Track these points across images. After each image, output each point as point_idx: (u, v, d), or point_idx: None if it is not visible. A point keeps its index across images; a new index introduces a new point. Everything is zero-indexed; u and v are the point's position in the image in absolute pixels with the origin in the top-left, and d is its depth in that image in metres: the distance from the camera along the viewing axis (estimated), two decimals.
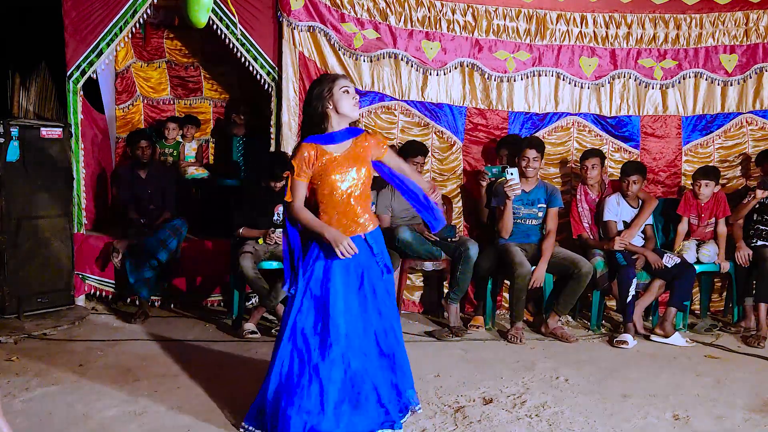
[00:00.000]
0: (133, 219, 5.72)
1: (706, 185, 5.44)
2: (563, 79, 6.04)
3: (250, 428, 3.26)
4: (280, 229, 5.20)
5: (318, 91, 3.26)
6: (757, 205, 5.44)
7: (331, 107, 3.27)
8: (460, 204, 6.02)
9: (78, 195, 5.73)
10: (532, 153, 5.24)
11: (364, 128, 3.46)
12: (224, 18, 5.54)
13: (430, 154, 5.85)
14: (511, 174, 5.04)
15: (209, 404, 3.62)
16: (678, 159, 6.13)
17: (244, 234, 5.23)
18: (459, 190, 6.01)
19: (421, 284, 5.93)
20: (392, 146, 5.47)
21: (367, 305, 3.28)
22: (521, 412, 3.62)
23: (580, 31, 6.01)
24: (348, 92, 3.27)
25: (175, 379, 4.00)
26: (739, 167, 6.11)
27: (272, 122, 5.77)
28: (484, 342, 5.03)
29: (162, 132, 7.11)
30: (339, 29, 5.73)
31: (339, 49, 5.75)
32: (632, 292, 5.05)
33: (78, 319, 5.28)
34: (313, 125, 3.30)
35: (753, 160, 5.88)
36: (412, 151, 5.50)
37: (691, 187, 5.60)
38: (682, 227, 5.55)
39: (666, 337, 5.00)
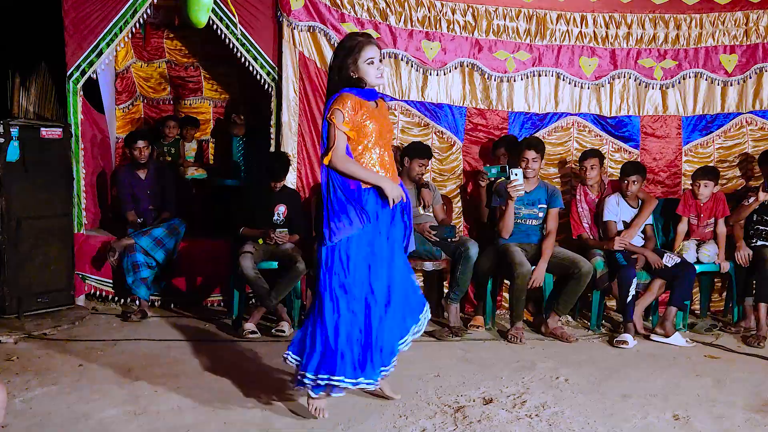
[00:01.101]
0: (130, 220, 5.71)
1: (706, 185, 5.44)
2: (563, 79, 6.04)
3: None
4: (280, 229, 5.21)
5: (343, 59, 3.34)
6: (758, 206, 5.44)
7: (356, 76, 3.35)
8: (460, 204, 6.02)
9: (78, 195, 5.73)
10: (531, 154, 5.24)
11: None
12: (224, 18, 5.54)
13: None
14: (516, 174, 5.04)
15: (209, 404, 3.61)
16: (678, 159, 6.14)
17: (244, 234, 5.23)
18: (459, 190, 6.01)
19: (421, 284, 5.92)
20: None
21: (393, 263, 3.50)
22: (521, 412, 3.62)
23: (580, 31, 6.01)
24: (372, 63, 3.33)
25: (175, 379, 4.00)
26: (739, 167, 6.11)
27: (272, 122, 5.76)
28: (484, 342, 5.03)
29: (161, 131, 7.11)
30: (339, 29, 5.73)
31: None
32: (632, 292, 5.05)
33: (78, 319, 5.28)
34: (345, 81, 3.35)
35: (756, 160, 5.86)
36: (417, 152, 5.48)
37: (690, 187, 5.60)
38: (682, 227, 5.55)
39: (666, 336, 5.00)
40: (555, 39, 5.99)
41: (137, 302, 5.55)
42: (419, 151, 5.49)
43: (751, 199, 5.38)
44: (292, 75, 5.67)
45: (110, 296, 5.80)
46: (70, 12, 5.59)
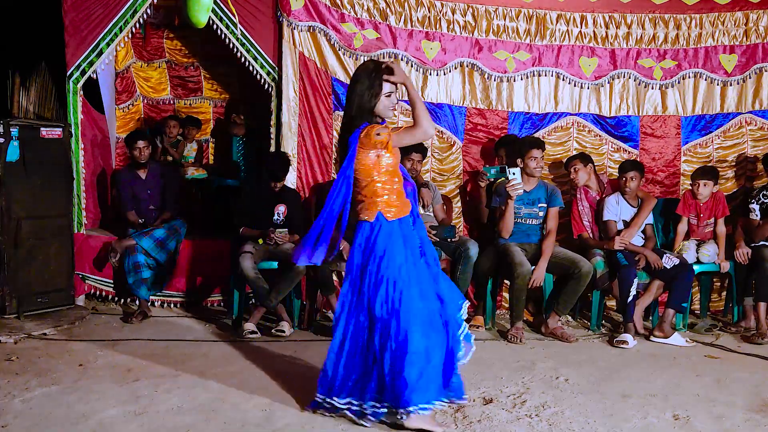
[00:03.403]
0: (131, 221, 5.71)
1: (705, 185, 5.44)
2: (563, 79, 6.04)
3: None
4: (281, 229, 5.20)
5: (366, 87, 3.40)
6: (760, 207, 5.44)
7: (374, 107, 3.43)
8: (460, 204, 6.02)
9: (78, 195, 5.73)
10: (538, 153, 5.24)
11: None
12: (224, 18, 5.54)
13: (429, 154, 5.85)
14: (513, 174, 5.04)
15: (209, 404, 3.62)
16: (677, 159, 6.14)
17: (244, 234, 5.23)
18: (459, 190, 6.01)
19: None
20: None
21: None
22: (521, 412, 3.62)
23: (580, 31, 6.01)
24: (390, 96, 3.45)
25: (175, 379, 4.00)
26: (738, 167, 6.11)
27: (272, 122, 5.76)
28: (484, 342, 5.02)
29: (163, 130, 7.11)
30: (339, 29, 5.73)
31: (339, 49, 5.75)
32: (633, 292, 5.05)
33: (78, 319, 5.28)
34: (365, 116, 3.40)
35: (760, 160, 5.84)
36: (407, 148, 5.48)
37: (690, 187, 5.60)
38: (682, 227, 5.55)
39: (665, 338, 5.00)
40: (555, 39, 6.00)
41: (137, 302, 5.55)
42: (409, 147, 5.48)
43: None
44: (292, 75, 5.67)
45: (110, 296, 5.80)
46: (70, 12, 5.59)
